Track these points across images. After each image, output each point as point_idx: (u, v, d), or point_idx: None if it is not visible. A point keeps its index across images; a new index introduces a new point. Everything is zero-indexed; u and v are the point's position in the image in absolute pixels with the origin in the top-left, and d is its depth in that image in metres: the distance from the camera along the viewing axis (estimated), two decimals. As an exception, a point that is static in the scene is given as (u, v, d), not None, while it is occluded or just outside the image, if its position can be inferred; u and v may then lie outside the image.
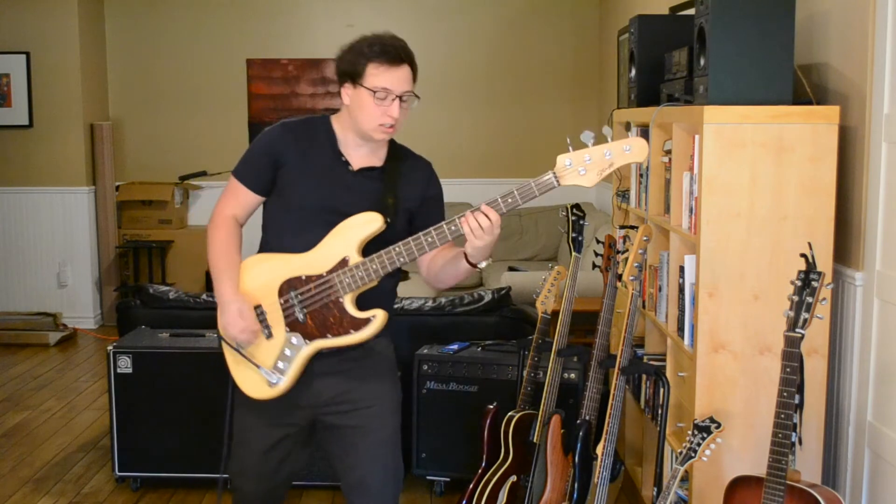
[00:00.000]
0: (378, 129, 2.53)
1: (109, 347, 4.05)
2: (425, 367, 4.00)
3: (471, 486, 3.50)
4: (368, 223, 2.51)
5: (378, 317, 2.51)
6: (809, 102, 3.04)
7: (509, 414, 3.50)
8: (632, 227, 3.47)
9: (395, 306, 4.27)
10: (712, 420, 2.69)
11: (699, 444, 2.68)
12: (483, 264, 2.47)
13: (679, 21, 3.80)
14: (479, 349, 4.06)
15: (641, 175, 3.74)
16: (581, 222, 3.52)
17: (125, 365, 4.03)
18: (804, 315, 2.33)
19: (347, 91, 2.54)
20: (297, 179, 2.56)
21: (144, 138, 7.68)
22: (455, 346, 4.06)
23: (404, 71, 2.53)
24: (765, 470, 2.41)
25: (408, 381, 4.03)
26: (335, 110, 2.66)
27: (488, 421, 3.53)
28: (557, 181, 2.31)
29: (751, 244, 2.86)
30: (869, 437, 2.88)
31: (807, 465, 2.90)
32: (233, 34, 7.58)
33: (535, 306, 3.61)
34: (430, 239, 2.42)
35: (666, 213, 3.44)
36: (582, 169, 2.29)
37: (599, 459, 3.02)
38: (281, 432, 2.67)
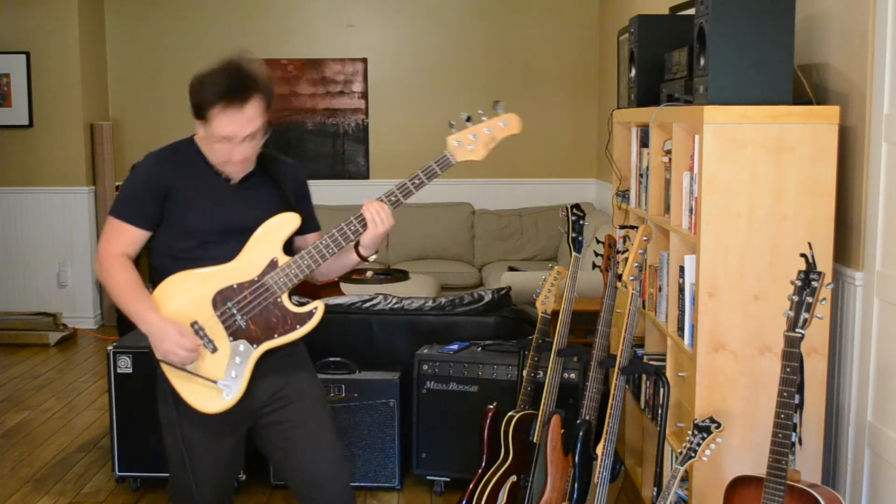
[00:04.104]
0: (227, 166, 2.55)
1: (109, 347, 4.05)
2: (425, 367, 4.00)
3: (471, 486, 3.50)
4: (289, 223, 2.59)
5: (319, 308, 2.58)
6: (809, 102, 3.04)
7: (509, 414, 3.50)
8: (632, 227, 3.47)
9: (396, 306, 4.29)
10: (712, 420, 2.69)
11: (699, 444, 2.68)
12: (373, 257, 2.67)
13: (679, 21, 3.80)
14: (479, 349, 4.06)
15: (641, 175, 3.74)
16: (581, 222, 3.52)
17: (125, 365, 4.03)
18: (804, 315, 2.33)
19: (199, 128, 2.53)
20: (188, 206, 2.56)
21: (144, 138, 7.66)
22: (455, 346, 4.06)
23: (250, 109, 2.45)
24: (765, 470, 2.41)
25: (408, 381, 4.03)
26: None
27: (488, 421, 3.53)
28: (453, 158, 2.59)
29: (751, 244, 2.86)
30: (869, 437, 2.88)
31: (807, 465, 2.90)
32: (233, 34, 7.58)
33: (535, 306, 3.61)
34: (353, 227, 2.55)
35: (666, 213, 3.44)
36: (471, 146, 2.60)
37: (599, 459, 3.02)
38: (229, 441, 2.70)
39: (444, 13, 7.62)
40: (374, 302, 4.31)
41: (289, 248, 2.63)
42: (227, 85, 2.44)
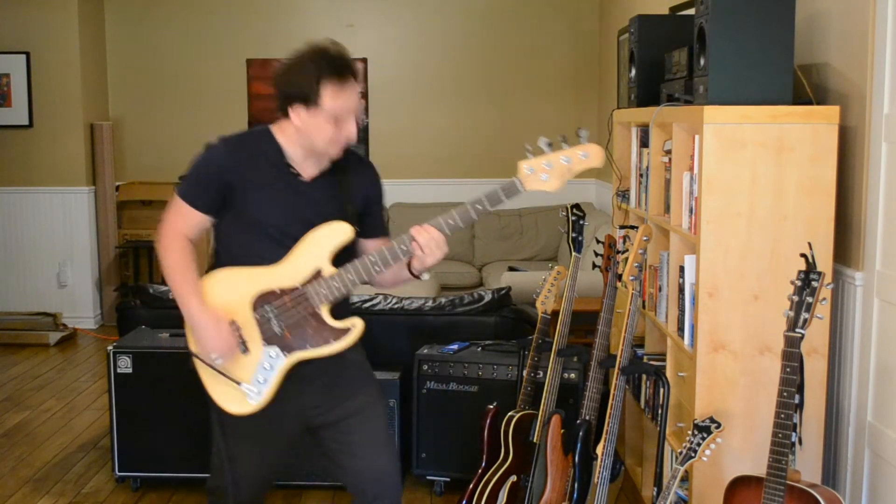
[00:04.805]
0: (332, 146, 2.52)
1: (109, 347, 4.05)
2: (425, 367, 4.00)
3: (471, 486, 3.50)
4: (339, 234, 2.52)
5: (357, 326, 2.53)
6: (809, 102, 3.04)
7: (509, 414, 3.50)
8: (632, 227, 3.47)
9: (396, 306, 4.29)
10: (712, 420, 2.69)
11: (699, 444, 2.68)
12: (425, 276, 2.56)
13: (679, 21, 3.80)
14: (479, 349, 4.05)
15: (641, 175, 3.74)
16: (581, 222, 3.52)
17: (125, 365, 4.03)
18: (804, 315, 2.33)
19: (298, 114, 2.47)
20: (252, 198, 2.53)
21: (144, 138, 7.68)
22: (455, 346, 4.06)
23: (354, 85, 2.49)
24: (765, 470, 2.41)
25: (408, 381, 4.03)
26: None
27: (488, 421, 3.53)
28: (522, 186, 2.43)
29: (751, 244, 2.86)
30: (869, 437, 2.88)
31: (807, 465, 2.90)
32: (233, 34, 7.58)
33: (535, 306, 3.61)
34: (403, 247, 2.46)
35: (666, 213, 3.44)
36: (544, 175, 2.42)
37: (599, 459, 3.02)
38: (275, 443, 2.67)
39: (444, 13, 7.62)
40: (374, 302, 4.31)
41: (348, 251, 2.56)
42: (337, 63, 2.45)
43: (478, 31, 7.62)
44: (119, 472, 4.10)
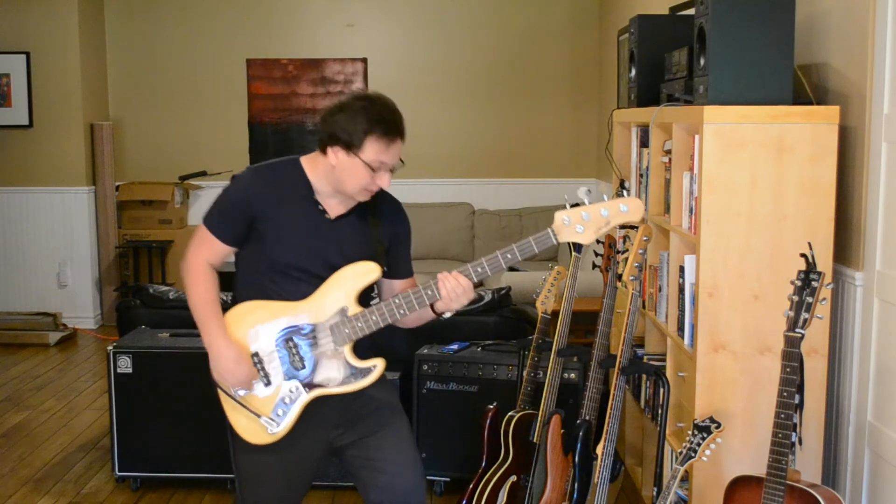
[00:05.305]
0: (362, 192, 2.51)
1: (109, 347, 4.05)
2: (425, 367, 4.00)
3: (471, 486, 3.50)
4: (367, 273, 2.52)
5: (378, 366, 2.54)
6: (809, 102, 3.04)
7: (509, 414, 3.50)
8: (632, 227, 3.46)
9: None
10: (712, 420, 2.69)
11: (699, 444, 2.68)
12: (447, 315, 2.56)
13: (679, 21, 3.80)
14: (479, 349, 4.05)
15: (641, 175, 3.74)
16: (581, 222, 3.51)
17: (125, 365, 4.03)
18: (804, 315, 2.33)
19: (337, 154, 2.47)
20: (277, 233, 2.52)
21: (144, 138, 7.68)
22: (455, 346, 4.06)
23: (399, 144, 2.50)
24: (765, 470, 2.41)
25: (408, 381, 4.03)
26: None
27: (488, 421, 3.53)
28: (556, 238, 2.39)
29: (751, 244, 2.86)
30: (869, 437, 2.88)
31: (807, 465, 2.90)
32: (233, 34, 7.58)
33: (535, 306, 3.61)
34: (430, 292, 2.47)
35: (666, 213, 3.44)
36: (580, 227, 2.38)
37: (599, 459, 3.02)
38: (296, 463, 2.65)
39: (444, 13, 7.62)
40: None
41: (370, 289, 2.57)
42: (389, 118, 2.47)
43: (478, 31, 7.62)
44: (119, 472, 4.10)
